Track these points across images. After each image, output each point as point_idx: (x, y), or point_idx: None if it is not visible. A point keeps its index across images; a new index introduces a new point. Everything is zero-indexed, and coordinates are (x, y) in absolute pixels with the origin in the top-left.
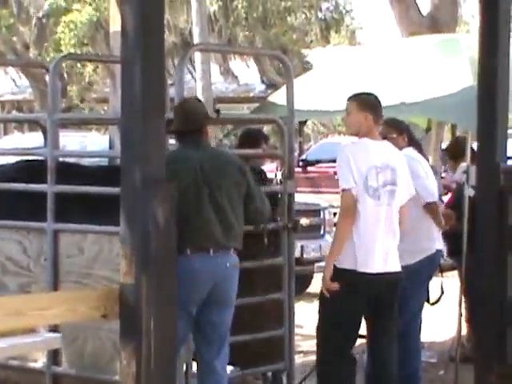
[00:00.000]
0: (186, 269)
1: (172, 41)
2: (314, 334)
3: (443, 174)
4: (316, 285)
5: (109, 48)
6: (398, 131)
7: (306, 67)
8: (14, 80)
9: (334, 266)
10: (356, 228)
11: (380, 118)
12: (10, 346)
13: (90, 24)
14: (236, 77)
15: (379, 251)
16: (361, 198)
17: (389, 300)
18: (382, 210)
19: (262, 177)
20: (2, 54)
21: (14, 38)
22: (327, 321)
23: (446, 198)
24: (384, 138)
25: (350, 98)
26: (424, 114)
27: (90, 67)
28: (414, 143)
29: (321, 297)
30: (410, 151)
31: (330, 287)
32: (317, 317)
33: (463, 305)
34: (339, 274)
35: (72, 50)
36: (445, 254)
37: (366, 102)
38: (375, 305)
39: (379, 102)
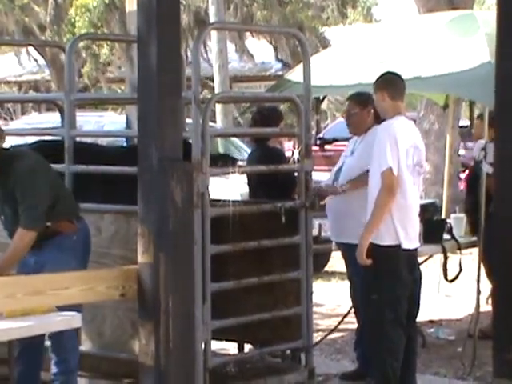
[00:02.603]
0: (81, 240)
1: (188, 20)
2: (332, 312)
3: (461, 152)
4: (334, 263)
5: (124, 28)
6: (361, 105)
7: (323, 44)
8: (36, 60)
9: (375, 244)
10: (397, 204)
11: (398, 93)
12: (30, 326)
13: (102, 5)
14: (252, 55)
15: (416, 227)
16: (403, 176)
17: (419, 274)
18: (415, 187)
19: (280, 157)
20: (12, 34)
21: (26, 19)
22: (381, 296)
23: (463, 176)
24: (348, 114)
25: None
26: (440, 90)
27: (105, 48)
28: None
29: (366, 277)
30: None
31: (366, 263)
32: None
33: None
34: (382, 251)
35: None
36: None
37: (379, 83)
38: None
39: (396, 77)
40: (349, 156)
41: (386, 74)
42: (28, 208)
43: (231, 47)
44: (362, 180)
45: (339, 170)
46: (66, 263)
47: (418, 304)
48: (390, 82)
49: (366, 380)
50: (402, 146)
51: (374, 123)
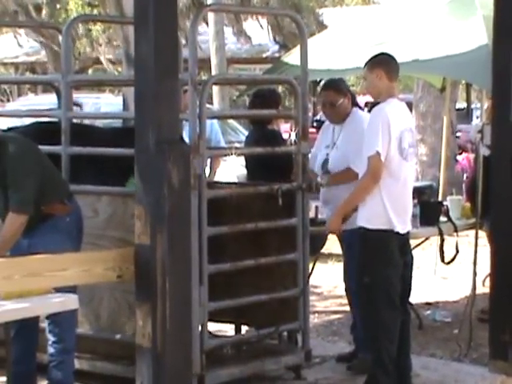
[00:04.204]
0: (74, 221)
1: (185, 1)
2: (328, 293)
3: (458, 134)
4: (330, 245)
5: (120, 8)
6: (343, 94)
7: (320, 26)
8: (35, 40)
9: (367, 228)
10: (389, 190)
11: (394, 74)
12: (27, 307)
13: None
14: (249, 37)
15: (409, 211)
16: (395, 160)
17: (411, 257)
18: (410, 170)
19: (277, 139)
20: (13, 14)
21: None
22: (373, 279)
23: (460, 158)
24: (331, 105)
25: (364, 66)
26: (438, 72)
27: (98, 28)
28: (355, 102)
29: (360, 264)
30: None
31: (336, 231)
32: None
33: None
34: (374, 235)
35: (81, 12)
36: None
37: (374, 62)
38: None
39: (392, 58)
40: (331, 148)
41: (380, 54)
42: (17, 192)
43: (228, 29)
44: (343, 175)
45: (326, 162)
46: (61, 245)
47: (410, 288)
48: (387, 62)
49: (358, 357)
50: (394, 132)
51: (351, 108)
